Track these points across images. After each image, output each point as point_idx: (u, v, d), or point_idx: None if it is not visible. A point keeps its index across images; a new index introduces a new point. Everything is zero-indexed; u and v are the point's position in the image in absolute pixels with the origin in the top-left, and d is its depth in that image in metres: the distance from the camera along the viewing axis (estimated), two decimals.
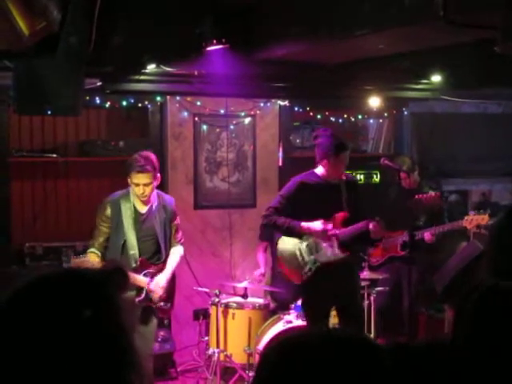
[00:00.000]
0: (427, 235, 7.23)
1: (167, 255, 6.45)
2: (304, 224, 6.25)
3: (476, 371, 1.93)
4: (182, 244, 6.64)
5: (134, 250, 6.22)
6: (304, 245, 6.34)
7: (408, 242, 6.53)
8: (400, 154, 8.90)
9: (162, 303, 6.38)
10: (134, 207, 6.30)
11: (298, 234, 6.33)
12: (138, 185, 6.15)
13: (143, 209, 6.32)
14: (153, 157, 6.26)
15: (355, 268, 6.61)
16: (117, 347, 1.45)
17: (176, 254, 6.56)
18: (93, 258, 6.18)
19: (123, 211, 6.25)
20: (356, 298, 6.52)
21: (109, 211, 6.27)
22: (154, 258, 6.37)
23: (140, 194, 6.19)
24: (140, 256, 6.25)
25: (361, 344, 1.40)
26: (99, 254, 6.25)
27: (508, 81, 7.85)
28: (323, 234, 6.26)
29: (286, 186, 6.51)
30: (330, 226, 6.27)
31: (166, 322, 7.95)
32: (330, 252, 6.30)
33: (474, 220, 6.71)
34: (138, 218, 6.30)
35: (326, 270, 6.28)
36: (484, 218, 6.66)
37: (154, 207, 6.35)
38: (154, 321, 6.41)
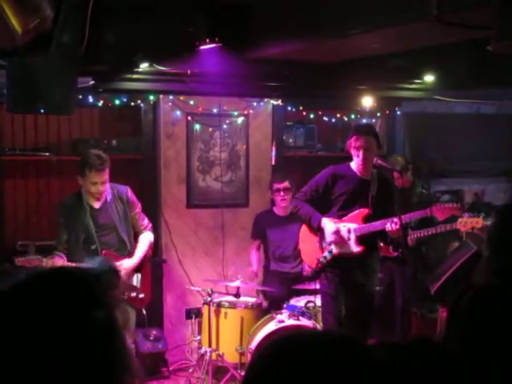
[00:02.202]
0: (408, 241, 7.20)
1: (133, 246, 6.59)
2: (323, 221, 6.42)
3: (469, 369, 1.93)
4: (150, 230, 6.79)
5: (94, 244, 6.37)
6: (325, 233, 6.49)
7: (401, 243, 6.52)
8: (393, 154, 8.89)
9: (134, 293, 6.52)
10: (88, 203, 6.43)
11: (316, 227, 6.49)
12: (95, 183, 6.31)
13: (96, 203, 6.47)
14: (104, 154, 6.40)
15: (372, 262, 6.61)
16: (110, 347, 1.44)
17: (145, 239, 6.72)
18: (56, 261, 6.25)
19: (77, 211, 6.40)
20: (365, 292, 6.54)
21: (63, 213, 6.46)
22: (121, 250, 6.52)
23: (97, 192, 6.36)
24: (103, 249, 6.38)
25: (351, 344, 1.40)
26: (63, 255, 6.38)
27: (501, 81, 7.86)
28: (335, 237, 6.39)
29: (320, 172, 6.63)
30: (338, 238, 6.39)
31: (153, 319, 7.94)
32: (347, 246, 6.41)
33: (469, 223, 6.68)
34: (93, 213, 6.43)
35: (340, 260, 6.41)
36: (478, 222, 6.63)
37: (108, 200, 6.49)
38: (132, 313, 6.54)
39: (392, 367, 1.45)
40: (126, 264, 6.46)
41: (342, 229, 6.41)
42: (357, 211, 6.43)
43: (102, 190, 6.38)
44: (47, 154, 7.84)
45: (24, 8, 3.56)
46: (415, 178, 8.16)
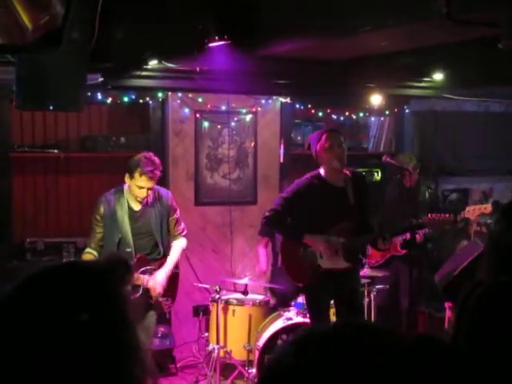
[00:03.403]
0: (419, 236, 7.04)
1: (166, 250, 6.45)
2: (307, 237, 6.20)
3: (476, 367, 1.93)
4: (184, 236, 6.65)
5: (129, 247, 6.23)
6: (309, 249, 6.30)
7: (409, 241, 6.50)
8: (404, 152, 8.87)
9: (161, 298, 6.39)
10: (128, 204, 6.31)
11: (299, 243, 6.30)
12: (142, 187, 6.16)
13: (137, 206, 6.33)
14: (158, 160, 6.26)
15: (357, 269, 6.57)
16: (121, 341, 1.44)
17: (177, 247, 6.57)
18: (88, 258, 6.16)
19: (117, 209, 6.26)
20: (356, 297, 6.50)
21: (102, 210, 6.29)
22: (153, 254, 6.39)
23: (142, 196, 6.22)
24: (137, 253, 6.26)
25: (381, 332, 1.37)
26: (95, 253, 6.27)
27: (510, 79, 7.84)
28: (325, 250, 6.21)
29: (289, 187, 6.39)
30: (331, 245, 6.21)
31: (167, 316, 7.95)
32: (334, 260, 6.24)
33: (477, 210, 6.52)
34: (133, 216, 6.30)
35: (328, 274, 6.26)
36: (487, 207, 6.47)
37: (149, 203, 6.35)
38: (153, 315, 6.40)
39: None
40: (159, 278, 6.29)
41: (329, 244, 6.21)
42: (340, 224, 6.19)
43: (147, 195, 6.25)
44: (56, 150, 7.86)
45: (34, 4, 3.57)
46: (421, 177, 8.15)
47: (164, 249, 6.44)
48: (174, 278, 6.53)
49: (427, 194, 8.26)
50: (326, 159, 6.15)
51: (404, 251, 7.40)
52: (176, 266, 6.61)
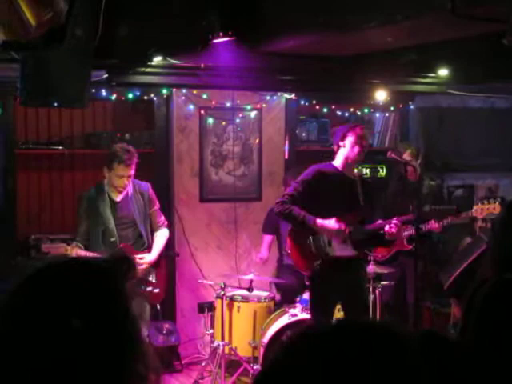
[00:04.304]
0: (433, 224, 6.88)
1: (150, 241, 6.70)
2: (319, 221, 6.18)
3: (482, 364, 1.92)
4: (166, 227, 6.93)
5: (113, 237, 6.49)
6: (318, 237, 6.33)
7: (414, 236, 6.48)
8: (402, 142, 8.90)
9: (149, 288, 6.60)
10: (109, 197, 6.56)
11: (311, 228, 6.26)
12: (122, 177, 6.45)
13: (118, 197, 6.58)
14: (132, 149, 6.57)
15: (363, 263, 6.60)
16: (123, 338, 1.44)
17: (161, 236, 6.84)
18: (79, 251, 6.42)
19: (99, 203, 6.52)
20: (362, 292, 6.51)
21: (85, 205, 6.60)
22: (137, 245, 6.61)
23: (122, 185, 6.50)
24: (122, 243, 6.48)
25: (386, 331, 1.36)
26: (81, 246, 6.49)
27: None
28: (337, 234, 6.21)
29: (303, 173, 6.44)
30: (343, 225, 6.19)
31: (166, 312, 7.97)
32: (342, 248, 6.28)
33: (485, 209, 6.45)
34: (114, 206, 6.56)
35: (335, 264, 6.28)
36: (496, 207, 6.42)
37: (129, 194, 6.60)
38: (147, 307, 6.60)
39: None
40: (147, 258, 6.58)
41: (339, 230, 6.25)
42: (350, 213, 6.28)
43: (127, 184, 6.53)
44: (60, 147, 7.87)
45: (38, 1, 3.57)
46: (424, 171, 8.11)
47: (148, 240, 6.69)
48: (161, 268, 6.78)
49: (430, 185, 8.24)
50: (348, 147, 6.29)
51: (410, 246, 7.37)
52: (163, 256, 6.86)
